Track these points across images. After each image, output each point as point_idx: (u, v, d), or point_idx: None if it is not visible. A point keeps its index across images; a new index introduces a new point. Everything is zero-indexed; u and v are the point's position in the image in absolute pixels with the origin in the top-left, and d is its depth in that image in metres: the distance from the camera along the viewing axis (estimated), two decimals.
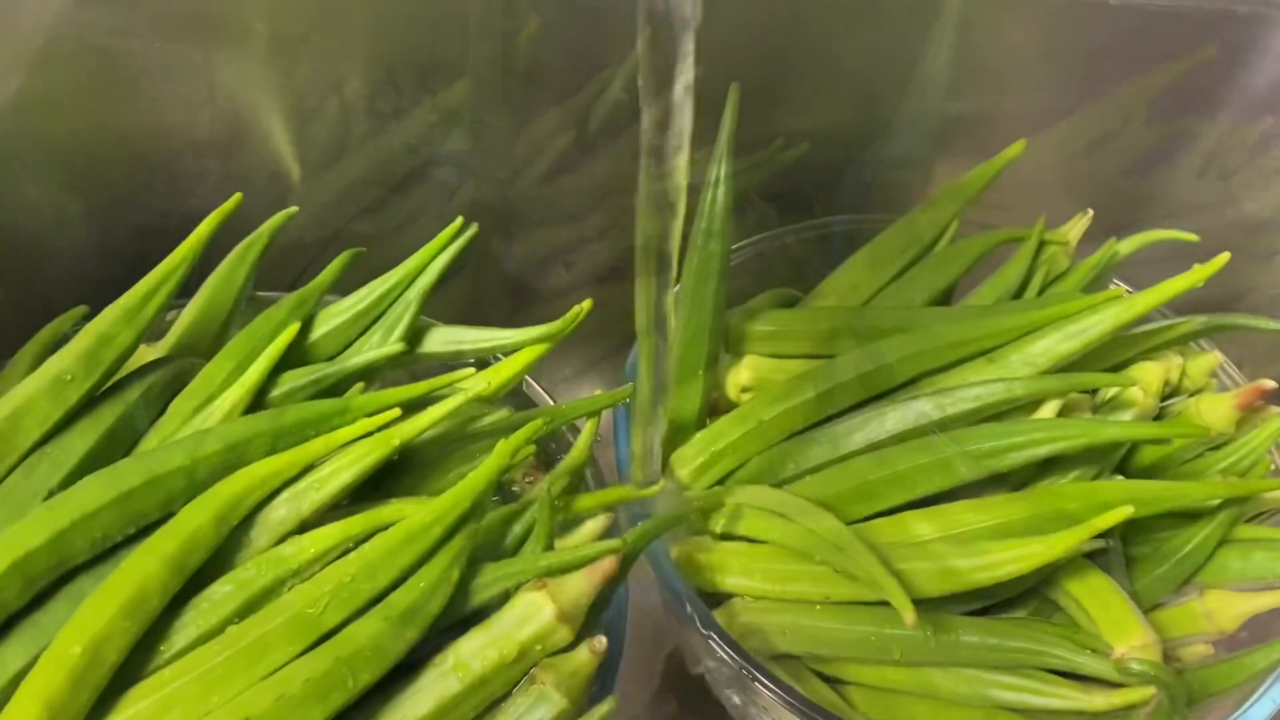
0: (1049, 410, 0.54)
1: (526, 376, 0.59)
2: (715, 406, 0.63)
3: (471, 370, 0.53)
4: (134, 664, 0.43)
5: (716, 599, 0.54)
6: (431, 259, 0.57)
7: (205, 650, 0.43)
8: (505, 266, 0.72)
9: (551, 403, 0.58)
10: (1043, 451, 0.51)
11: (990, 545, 0.49)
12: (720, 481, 0.59)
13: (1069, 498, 0.51)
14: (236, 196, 0.57)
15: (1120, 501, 0.51)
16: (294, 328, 0.53)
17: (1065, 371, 0.56)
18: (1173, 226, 0.69)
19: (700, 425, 0.61)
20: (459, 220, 0.58)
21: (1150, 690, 0.46)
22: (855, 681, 0.54)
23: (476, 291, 0.73)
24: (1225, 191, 0.72)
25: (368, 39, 0.62)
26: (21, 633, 0.43)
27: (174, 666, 0.43)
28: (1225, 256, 0.54)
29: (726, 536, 0.55)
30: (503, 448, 0.47)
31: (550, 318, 0.59)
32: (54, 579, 0.44)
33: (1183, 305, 0.69)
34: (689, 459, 0.59)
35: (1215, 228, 0.75)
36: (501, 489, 0.57)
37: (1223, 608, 0.55)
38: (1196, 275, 0.54)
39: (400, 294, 0.57)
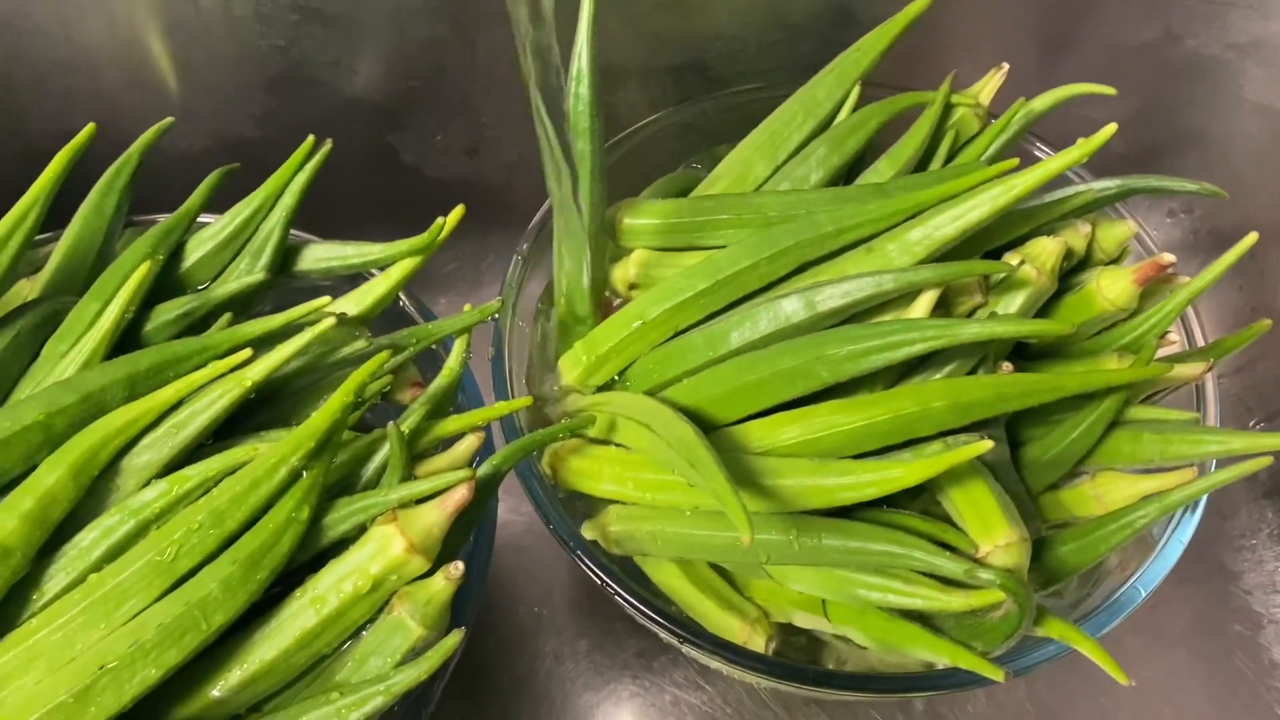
0: (925, 301, 0.52)
1: (402, 292, 0.58)
2: (608, 304, 0.61)
3: (328, 299, 0.52)
4: (7, 614, 0.45)
5: (593, 502, 0.55)
6: (289, 179, 0.56)
7: (67, 599, 0.45)
8: (405, 159, 0.70)
9: (419, 320, 0.58)
10: (900, 355, 0.49)
11: (854, 465, 0.48)
12: (609, 384, 0.58)
13: (935, 396, 0.49)
14: (89, 128, 0.56)
15: (987, 399, 0.50)
16: (144, 269, 0.52)
17: (950, 256, 0.53)
18: (1109, 71, 0.64)
19: (592, 324, 0.60)
20: (310, 139, 0.56)
21: (1000, 594, 0.46)
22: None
23: (384, 188, 0.72)
24: (1165, 29, 0.66)
25: None
26: None
27: (41, 616, 0.45)
28: (1111, 128, 0.50)
29: (603, 441, 0.55)
30: (346, 387, 0.47)
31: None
32: None
33: (1116, 158, 0.65)
34: (574, 363, 0.58)
35: (1156, 69, 0.69)
36: (389, 407, 0.57)
37: (1112, 490, 0.54)
38: (1081, 150, 0.50)
39: (264, 217, 0.57)
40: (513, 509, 0.72)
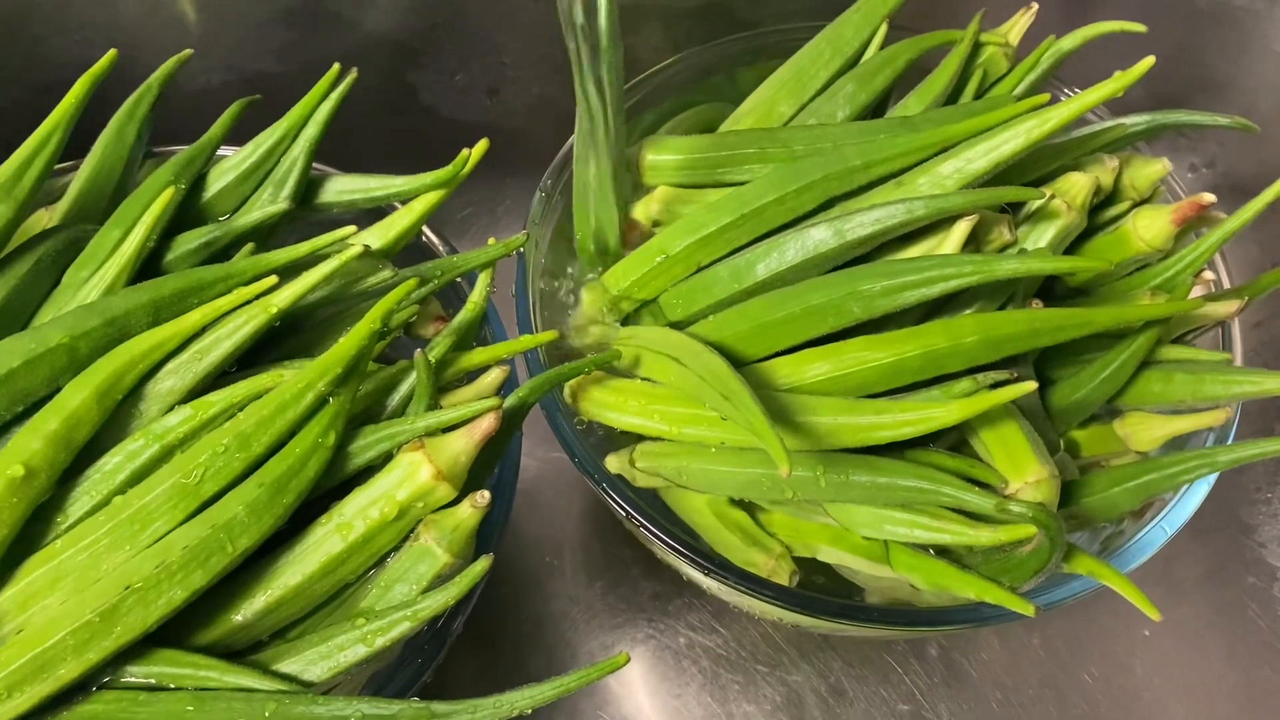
0: (958, 235, 0.51)
1: (425, 226, 0.57)
2: (630, 242, 0.61)
3: (353, 228, 0.52)
4: (31, 535, 0.45)
5: (611, 432, 0.55)
6: (313, 109, 0.55)
7: (93, 521, 0.45)
8: (424, 99, 0.69)
9: (443, 254, 0.57)
10: (936, 290, 0.49)
11: (889, 404, 0.48)
12: (630, 318, 0.58)
13: (967, 331, 0.49)
14: (110, 54, 0.55)
15: (1020, 333, 0.50)
16: (167, 194, 0.51)
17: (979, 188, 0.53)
18: (1137, 17, 0.63)
19: (614, 259, 0.59)
20: (335, 67, 0.55)
21: (1032, 529, 0.46)
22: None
23: (402, 129, 0.71)
24: None
25: None
26: None
27: (65, 537, 0.45)
28: (1149, 61, 0.49)
29: (626, 374, 0.55)
30: (373, 313, 0.46)
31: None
32: None
33: (1141, 106, 0.64)
34: (597, 297, 0.58)
35: (1184, 16, 0.69)
36: (413, 343, 0.57)
37: (1141, 430, 0.54)
38: (1117, 83, 0.49)
39: (288, 147, 0.56)
40: (525, 453, 0.72)
